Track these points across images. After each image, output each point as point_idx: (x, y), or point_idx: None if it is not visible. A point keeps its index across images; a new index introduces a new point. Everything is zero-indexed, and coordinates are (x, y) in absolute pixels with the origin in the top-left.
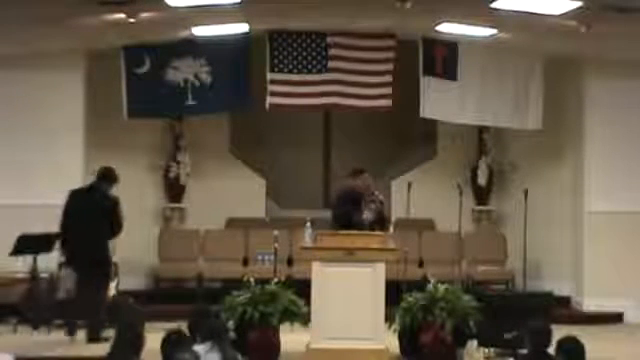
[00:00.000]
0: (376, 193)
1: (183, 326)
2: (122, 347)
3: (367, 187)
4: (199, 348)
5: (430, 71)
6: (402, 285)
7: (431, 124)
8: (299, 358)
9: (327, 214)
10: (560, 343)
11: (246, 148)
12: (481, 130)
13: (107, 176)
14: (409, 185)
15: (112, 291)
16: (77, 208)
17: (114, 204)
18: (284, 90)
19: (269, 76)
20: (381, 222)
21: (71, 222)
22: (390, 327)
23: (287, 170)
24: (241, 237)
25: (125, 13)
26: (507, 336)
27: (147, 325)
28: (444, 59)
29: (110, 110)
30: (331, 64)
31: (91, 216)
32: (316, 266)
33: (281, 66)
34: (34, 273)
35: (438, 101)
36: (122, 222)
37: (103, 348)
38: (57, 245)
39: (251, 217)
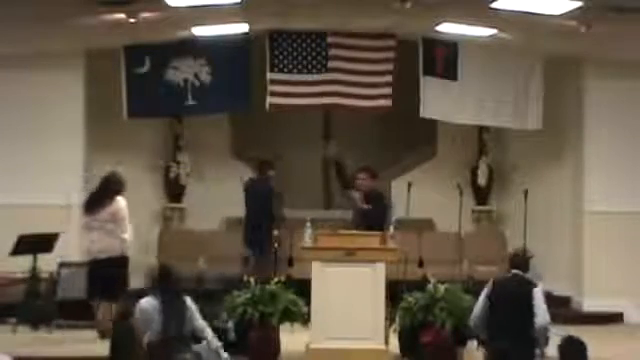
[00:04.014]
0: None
1: None
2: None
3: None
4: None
5: (430, 71)
6: (402, 285)
7: (431, 124)
8: (299, 358)
9: (327, 214)
10: (561, 343)
11: (246, 148)
12: (481, 130)
13: (268, 168)
14: (409, 185)
15: None
16: (252, 195)
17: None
18: (284, 90)
19: (269, 76)
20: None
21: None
22: (390, 327)
23: (287, 170)
24: (241, 237)
25: (125, 13)
26: None
27: None
28: (444, 59)
29: (110, 110)
30: (331, 64)
31: (262, 202)
32: (316, 266)
33: (281, 66)
34: (34, 273)
35: (438, 101)
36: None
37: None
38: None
39: None
